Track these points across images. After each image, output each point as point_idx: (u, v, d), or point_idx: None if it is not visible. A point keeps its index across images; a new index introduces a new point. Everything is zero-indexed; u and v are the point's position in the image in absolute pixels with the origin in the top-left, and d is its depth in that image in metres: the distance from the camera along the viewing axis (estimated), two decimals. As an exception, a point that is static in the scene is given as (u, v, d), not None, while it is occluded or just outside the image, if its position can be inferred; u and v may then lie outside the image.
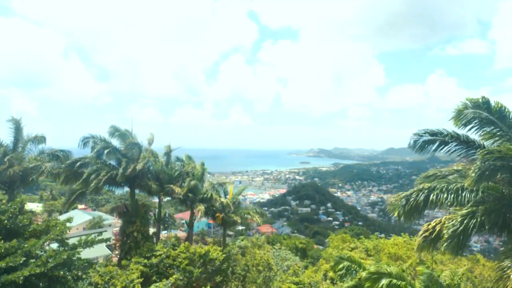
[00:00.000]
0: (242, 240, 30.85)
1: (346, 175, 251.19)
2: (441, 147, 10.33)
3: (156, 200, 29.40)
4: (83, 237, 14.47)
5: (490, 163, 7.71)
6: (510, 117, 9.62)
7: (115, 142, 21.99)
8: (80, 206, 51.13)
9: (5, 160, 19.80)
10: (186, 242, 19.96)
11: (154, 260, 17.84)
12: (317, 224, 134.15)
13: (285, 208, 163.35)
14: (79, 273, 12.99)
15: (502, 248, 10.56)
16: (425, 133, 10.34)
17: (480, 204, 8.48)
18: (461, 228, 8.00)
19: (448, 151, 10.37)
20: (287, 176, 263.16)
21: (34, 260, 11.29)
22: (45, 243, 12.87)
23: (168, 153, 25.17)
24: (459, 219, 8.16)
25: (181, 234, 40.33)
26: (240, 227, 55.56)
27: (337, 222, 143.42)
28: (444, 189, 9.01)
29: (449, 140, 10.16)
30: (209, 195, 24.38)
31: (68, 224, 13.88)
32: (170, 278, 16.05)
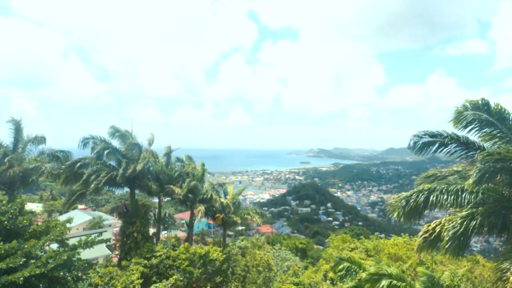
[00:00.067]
0: (242, 241, 30.86)
1: (346, 175, 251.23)
2: (440, 149, 10.34)
3: (156, 200, 29.41)
4: (83, 238, 14.45)
5: (490, 165, 7.71)
6: (510, 119, 9.63)
7: (115, 143, 21.99)
8: (80, 206, 51.17)
9: (5, 161, 19.81)
10: (186, 243, 19.97)
11: (154, 261, 17.84)
12: (317, 224, 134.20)
13: (285, 208, 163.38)
14: (79, 274, 12.99)
15: (502, 248, 10.56)
16: (424, 135, 10.35)
17: (480, 205, 8.48)
18: (461, 230, 8.00)
19: (448, 152, 10.38)
20: (287, 176, 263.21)
21: (34, 261, 11.29)
22: (45, 244, 12.87)
23: (168, 154, 25.18)
24: (459, 221, 8.16)
25: (181, 234, 40.35)
26: (240, 227, 55.56)
27: (337, 222, 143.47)
28: (444, 190, 9.02)
29: (449, 142, 10.16)
30: (209, 196, 24.39)
31: (68, 225, 13.88)
32: (170, 278, 16.06)
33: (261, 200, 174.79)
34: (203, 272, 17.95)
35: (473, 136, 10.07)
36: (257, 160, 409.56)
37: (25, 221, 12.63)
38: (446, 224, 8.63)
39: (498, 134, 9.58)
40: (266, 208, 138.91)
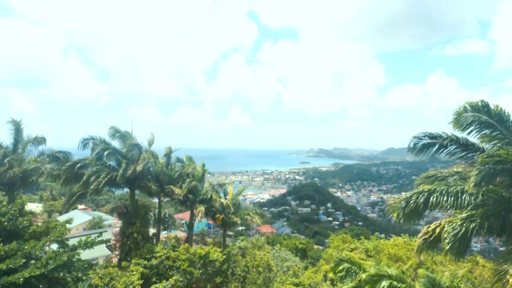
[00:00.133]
0: (242, 241, 30.88)
1: (346, 175, 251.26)
2: (440, 150, 10.35)
3: (156, 200, 29.43)
4: (83, 238, 14.43)
5: (490, 167, 7.72)
6: (510, 120, 9.64)
7: (115, 143, 22.00)
8: (80, 206, 51.18)
9: (5, 161, 19.79)
10: (186, 244, 19.97)
11: (154, 262, 17.83)
12: (317, 224, 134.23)
13: (285, 208, 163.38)
14: (79, 275, 12.99)
15: (502, 248, 10.59)
16: (424, 136, 10.36)
17: (480, 207, 8.49)
18: (461, 232, 8.01)
19: (448, 154, 10.39)
20: (287, 176, 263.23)
21: (34, 262, 11.28)
22: (45, 245, 12.87)
23: (168, 154, 25.18)
24: (458, 223, 8.17)
25: (181, 234, 40.37)
26: (240, 228, 55.58)
27: (337, 222, 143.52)
28: (444, 191, 9.03)
29: (449, 143, 10.18)
30: (209, 196, 24.39)
31: (68, 226, 13.87)
32: (170, 279, 16.06)
33: (261, 200, 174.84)
34: (203, 273, 17.95)
35: (473, 137, 10.09)
36: (257, 160, 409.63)
37: (25, 222, 12.62)
38: (446, 225, 8.64)
39: (498, 136, 9.59)
40: (266, 208, 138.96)
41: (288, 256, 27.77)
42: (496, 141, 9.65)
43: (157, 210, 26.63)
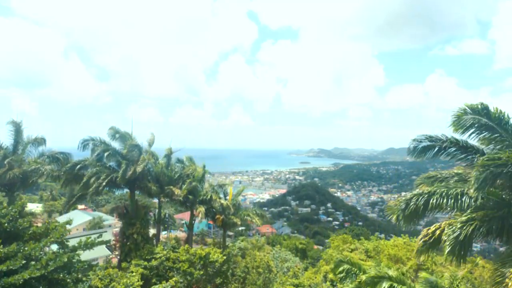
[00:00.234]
0: (242, 241, 30.86)
1: (346, 175, 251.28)
2: (440, 153, 10.36)
3: (156, 200, 29.44)
4: (83, 239, 14.43)
5: (490, 170, 7.72)
6: (509, 123, 9.63)
7: (115, 144, 22.00)
8: (80, 207, 51.12)
9: (5, 162, 19.81)
10: (186, 245, 19.98)
11: (154, 263, 17.85)
12: (317, 224, 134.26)
13: (285, 208, 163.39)
14: (79, 276, 12.98)
15: (501, 249, 10.58)
16: (424, 139, 10.36)
17: (480, 209, 8.47)
18: (461, 235, 8.00)
19: (448, 156, 10.39)
20: (287, 176, 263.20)
21: (34, 263, 11.29)
22: (45, 246, 12.86)
23: (168, 155, 25.18)
24: (458, 226, 8.16)
25: (181, 235, 40.38)
26: (240, 228, 55.59)
27: (337, 222, 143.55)
28: (444, 194, 9.01)
29: (448, 146, 10.18)
30: (209, 197, 24.39)
31: (67, 227, 13.87)
32: (170, 280, 16.06)
33: (261, 200, 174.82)
34: (203, 274, 17.96)
35: (473, 140, 10.09)
36: (257, 160, 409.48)
37: (25, 223, 12.61)
38: (446, 228, 8.64)
39: (498, 138, 9.59)
40: (266, 208, 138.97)
41: (288, 256, 27.77)
42: (496, 144, 9.65)
43: (157, 211, 26.65)
